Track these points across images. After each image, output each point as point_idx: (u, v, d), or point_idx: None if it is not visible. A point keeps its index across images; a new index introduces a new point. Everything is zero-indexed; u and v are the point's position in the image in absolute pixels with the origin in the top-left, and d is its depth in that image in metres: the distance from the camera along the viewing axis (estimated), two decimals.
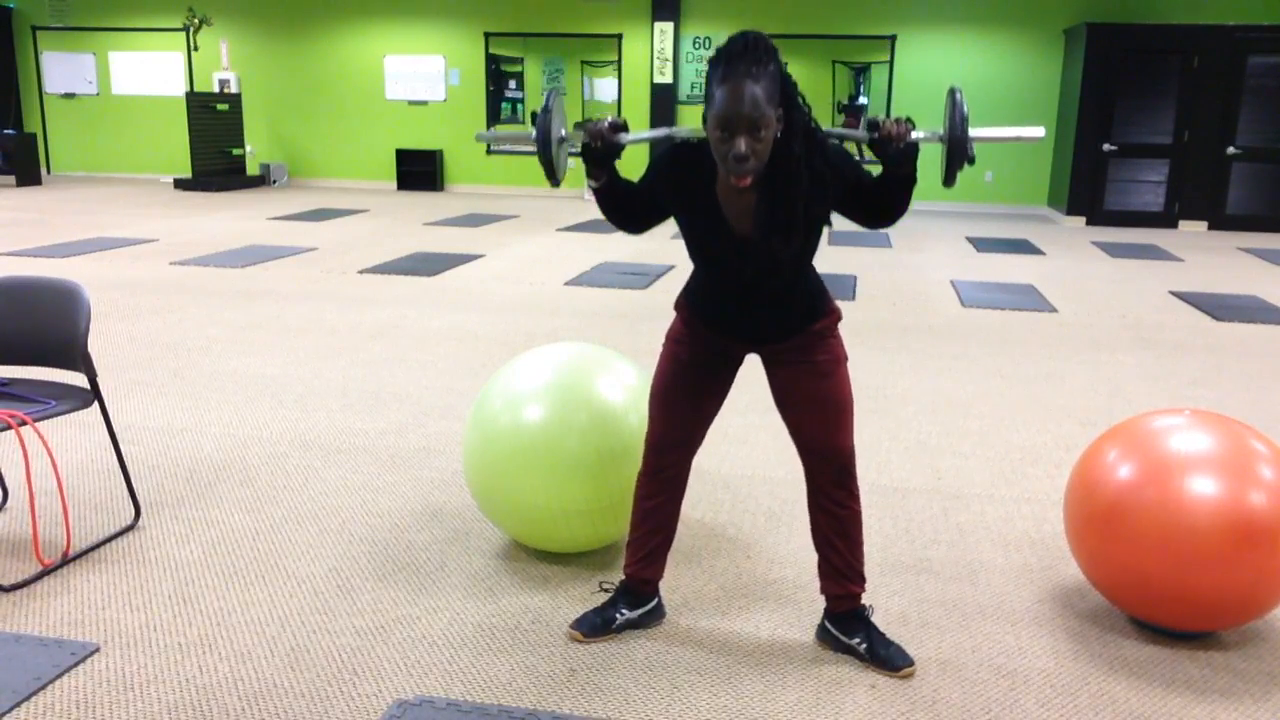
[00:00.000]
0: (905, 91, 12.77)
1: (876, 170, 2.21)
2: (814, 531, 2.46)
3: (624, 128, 2.25)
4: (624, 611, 2.53)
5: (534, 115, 2.27)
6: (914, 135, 2.13)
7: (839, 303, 6.41)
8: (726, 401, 2.52)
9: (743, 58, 2.02)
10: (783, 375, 2.38)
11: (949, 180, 2.21)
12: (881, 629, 2.48)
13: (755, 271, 2.25)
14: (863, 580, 2.46)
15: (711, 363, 2.42)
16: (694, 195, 2.25)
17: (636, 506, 2.53)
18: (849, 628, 2.45)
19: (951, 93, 2.17)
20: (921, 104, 12.74)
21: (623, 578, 2.57)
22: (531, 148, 2.28)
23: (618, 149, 2.25)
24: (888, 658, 2.39)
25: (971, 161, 2.15)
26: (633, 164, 2.38)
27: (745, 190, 2.16)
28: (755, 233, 2.20)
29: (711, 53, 2.08)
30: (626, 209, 2.36)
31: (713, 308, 2.37)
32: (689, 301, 2.42)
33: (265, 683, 2.30)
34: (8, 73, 14.78)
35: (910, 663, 2.39)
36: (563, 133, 2.31)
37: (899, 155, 2.13)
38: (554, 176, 2.31)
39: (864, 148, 2.20)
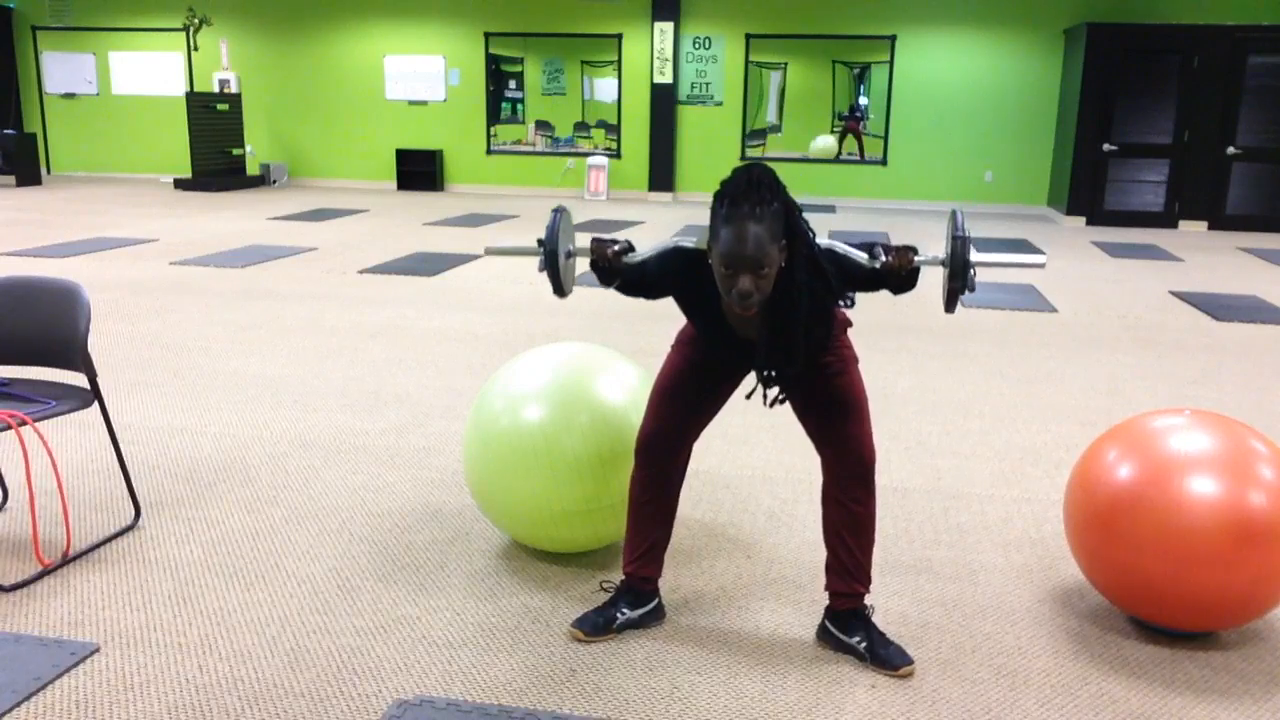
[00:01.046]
0: (905, 92, 12.77)
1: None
2: (825, 527, 2.46)
3: (630, 249, 2.32)
4: (625, 611, 2.53)
5: (540, 241, 2.37)
6: (916, 260, 2.18)
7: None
8: (726, 401, 2.53)
9: (746, 198, 2.06)
10: (798, 385, 2.41)
11: (950, 307, 2.26)
12: (881, 629, 2.48)
13: (760, 369, 2.34)
14: (869, 580, 2.46)
15: (722, 368, 2.45)
16: (699, 303, 2.33)
17: (631, 505, 2.54)
18: (849, 627, 2.45)
19: (953, 215, 2.20)
20: (921, 104, 12.75)
21: (623, 577, 2.57)
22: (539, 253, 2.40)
23: (622, 271, 2.33)
24: (887, 657, 2.39)
25: (972, 289, 2.20)
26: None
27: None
28: (759, 347, 2.29)
29: (718, 188, 2.12)
30: (640, 294, 2.41)
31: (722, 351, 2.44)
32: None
33: (265, 683, 2.30)
34: (8, 73, 14.78)
35: (910, 662, 2.39)
36: (570, 248, 2.42)
37: (901, 284, 2.22)
38: (561, 290, 2.44)
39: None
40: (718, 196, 2.11)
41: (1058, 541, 3.13)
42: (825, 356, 2.38)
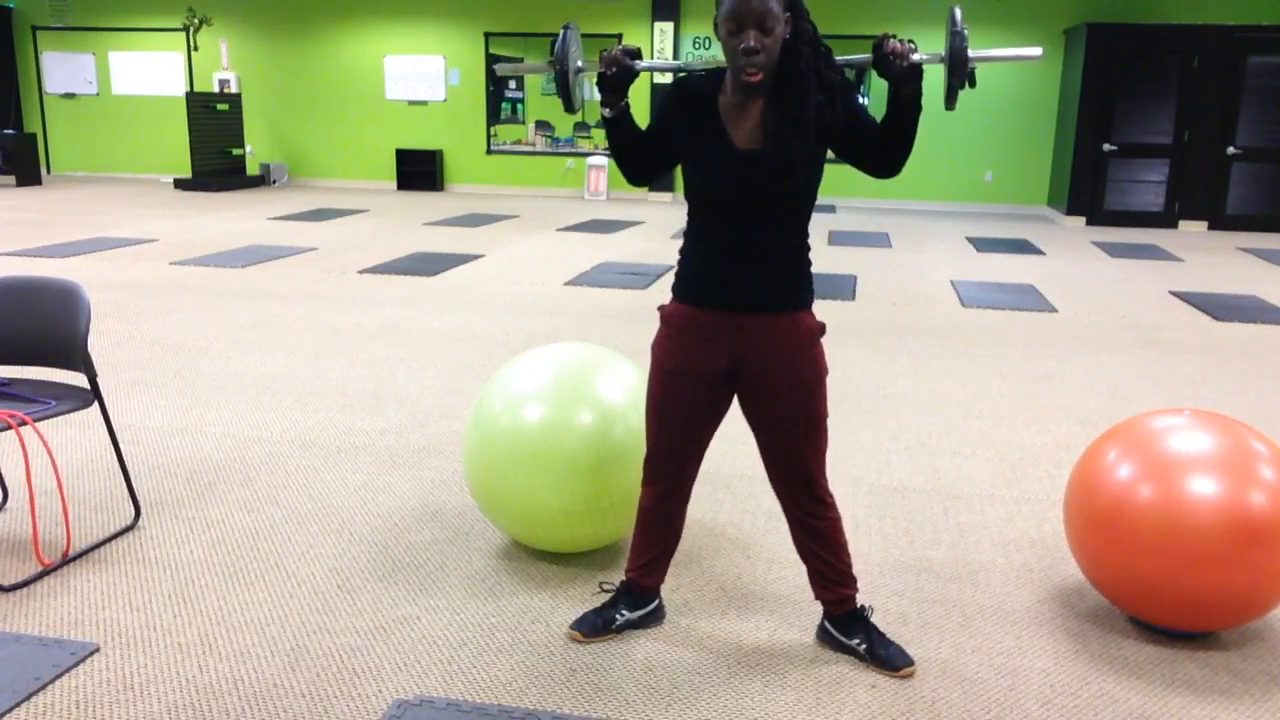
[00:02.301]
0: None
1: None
2: (796, 544, 2.46)
3: (638, 55, 2.31)
4: (624, 612, 2.53)
5: (552, 45, 2.34)
6: (915, 57, 2.16)
7: (838, 302, 6.35)
8: (725, 408, 2.47)
9: None
10: (765, 388, 2.30)
11: (950, 102, 2.22)
12: (881, 629, 2.48)
13: (761, 185, 2.21)
14: (854, 582, 2.46)
15: (696, 372, 2.33)
16: (698, 116, 2.28)
17: (639, 516, 2.52)
18: (848, 628, 2.45)
19: (951, 13, 2.17)
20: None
21: (623, 578, 2.57)
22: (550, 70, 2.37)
23: (632, 74, 2.31)
24: (887, 658, 2.39)
25: (973, 83, 2.16)
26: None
27: (752, 102, 2.20)
28: (766, 137, 2.20)
29: None
30: (635, 146, 2.39)
31: (706, 261, 2.29)
32: (679, 274, 2.36)
33: (265, 683, 2.30)
34: (8, 73, 14.78)
35: (910, 662, 2.39)
36: (580, 63, 2.39)
37: (903, 75, 2.16)
38: (571, 105, 2.38)
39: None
40: None
41: (1058, 541, 3.13)
42: (802, 369, 2.29)
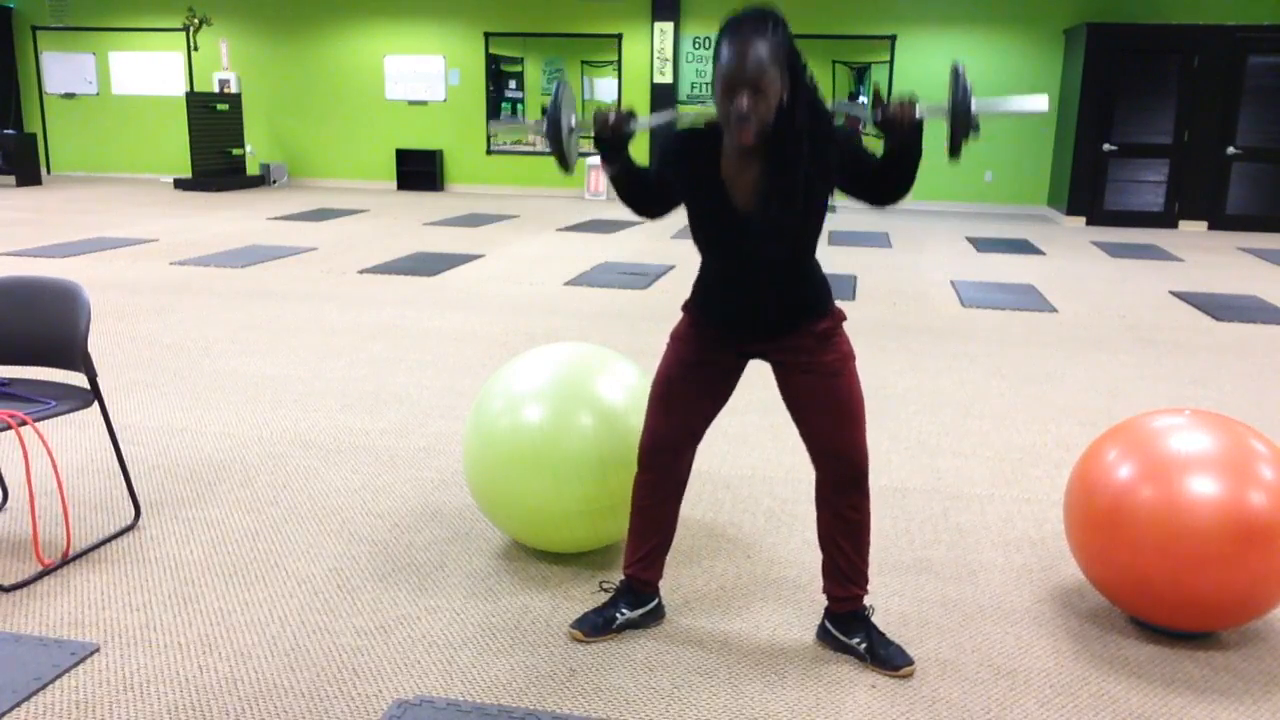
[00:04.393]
0: (905, 92, 12.77)
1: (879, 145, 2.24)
2: (820, 531, 2.45)
3: (633, 116, 2.30)
4: (624, 611, 2.53)
5: (544, 109, 2.31)
6: (918, 112, 2.15)
7: (839, 303, 6.43)
8: (726, 401, 2.52)
9: (749, 22, 2.08)
10: (792, 379, 2.37)
11: (954, 152, 2.23)
12: (881, 629, 2.48)
13: (757, 246, 2.26)
14: (866, 582, 2.46)
15: (715, 364, 2.41)
16: (698, 173, 2.28)
17: (633, 508, 2.53)
18: (849, 628, 2.45)
19: (955, 69, 2.18)
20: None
21: (623, 577, 2.57)
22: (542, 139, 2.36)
23: (628, 137, 2.30)
24: (887, 657, 2.39)
25: (977, 132, 2.17)
26: (640, 151, 2.44)
27: (748, 161, 2.20)
28: (757, 202, 2.22)
29: (723, 21, 2.13)
30: (641, 193, 2.39)
31: (717, 297, 2.37)
32: (694, 297, 2.43)
33: (265, 683, 2.30)
34: (8, 73, 14.78)
35: (910, 662, 2.39)
36: (573, 123, 2.37)
37: (907, 135, 2.17)
38: (567, 166, 2.38)
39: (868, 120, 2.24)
40: (722, 26, 2.12)
41: (1058, 541, 3.13)
42: (826, 354, 2.34)
